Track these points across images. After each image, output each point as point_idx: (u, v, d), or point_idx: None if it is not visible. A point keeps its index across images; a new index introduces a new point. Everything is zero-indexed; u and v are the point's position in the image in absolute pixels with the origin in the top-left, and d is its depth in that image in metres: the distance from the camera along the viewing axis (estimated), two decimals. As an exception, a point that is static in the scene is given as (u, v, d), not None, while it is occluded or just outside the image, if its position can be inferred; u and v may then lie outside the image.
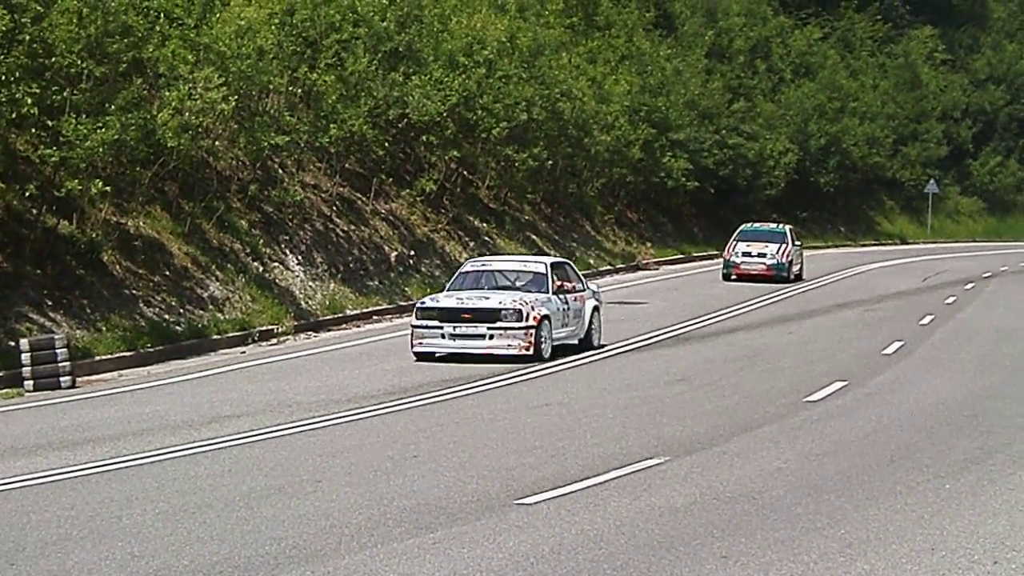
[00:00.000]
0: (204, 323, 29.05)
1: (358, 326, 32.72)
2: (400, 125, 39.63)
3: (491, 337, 25.02)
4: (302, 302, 32.76)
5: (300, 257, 34.44)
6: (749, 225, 49.24)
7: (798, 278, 46.19)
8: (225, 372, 25.29)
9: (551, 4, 53.34)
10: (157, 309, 28.45)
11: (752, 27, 71.19)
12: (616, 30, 57.76)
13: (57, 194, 26.45)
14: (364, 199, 39.11)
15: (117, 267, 28.51)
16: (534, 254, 45.16)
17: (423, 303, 26.11)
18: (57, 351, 23.47)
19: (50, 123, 25.85)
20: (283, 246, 34.23)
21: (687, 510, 13.35)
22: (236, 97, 30.06)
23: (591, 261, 49.24)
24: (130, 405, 21.34)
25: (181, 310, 28.95)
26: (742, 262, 45.40)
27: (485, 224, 44.71)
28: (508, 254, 41.16)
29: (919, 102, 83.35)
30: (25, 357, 23.36)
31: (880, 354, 26.56)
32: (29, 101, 24.74)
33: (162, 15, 29.70)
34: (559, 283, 26.60)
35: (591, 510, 13.29)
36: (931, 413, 19.68)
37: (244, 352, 28.36)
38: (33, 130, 26.27)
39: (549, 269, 26.82)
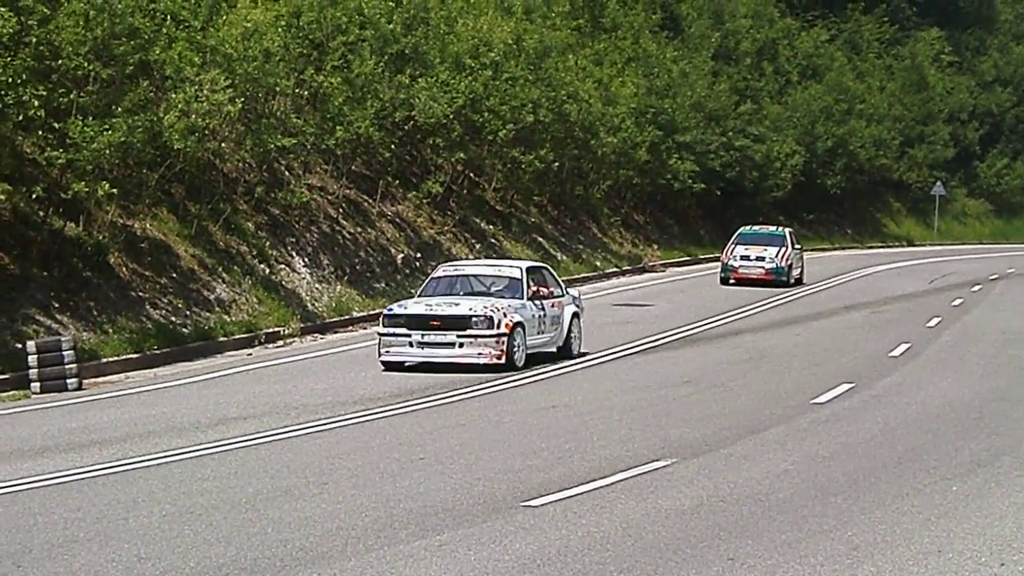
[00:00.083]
0: (211, 325, 29.06)
1: (364, 328, 32.68)
2: (406, 127, 39.63)
3: (461, 345, 23.97)
4: (308, 304, 32.77)
5: (306, 259, 34.45)
6: (748, 228, 47.91)
7: (798, 282, 45.21)
8: (232, 374, 25.30)
9: (557, 6, 53.32)
10: (164, 311, 28.46)
11: (759, 29, 71.15)
12: (623, 32, 57.75)
13: (64, 196, 26.48)
14: (370, 201, 39.11)
15: (124, 269, 28.53)
16: (540, 256, 45.18)
17: (390, 310, 25.08)
18: (64, 353, 23.50)
19: (57, 125, 25.87)
20: (289, 248, 34.24)
21: (693, 512, 13.34)
22: (242, 99, 30.09)
23: (597, 263, 49.24)
24: (136, 407, 21.35)
25: (188, 312, 28.97)
26: (740, 266, 44.35)
27: (491, 226, 44.71)
28: (512, 257, 41.15)
29: (926, 104, 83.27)
30: (32, 359, 23.39)
31: (887, 356, 26.53)
32: (36, 103, 24.76)
33: (168, 17, 29.71)
34: (535, 288, 25.59)
35: (598, 512, 13.28)
36: (938, 415, 19.66)
37: (251, 354, 28.36)
38: (40, 132, 26.29)
39: (524, 274, 25.78)
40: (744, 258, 44.46)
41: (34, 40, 25.20)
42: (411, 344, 24.17)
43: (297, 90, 34.72)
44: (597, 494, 14.10)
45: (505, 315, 24.19)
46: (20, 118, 25.12)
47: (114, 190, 26.72)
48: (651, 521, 12.94)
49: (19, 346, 24.17)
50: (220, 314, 29.72)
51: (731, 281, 44.26)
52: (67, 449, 17.47)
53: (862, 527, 12.70)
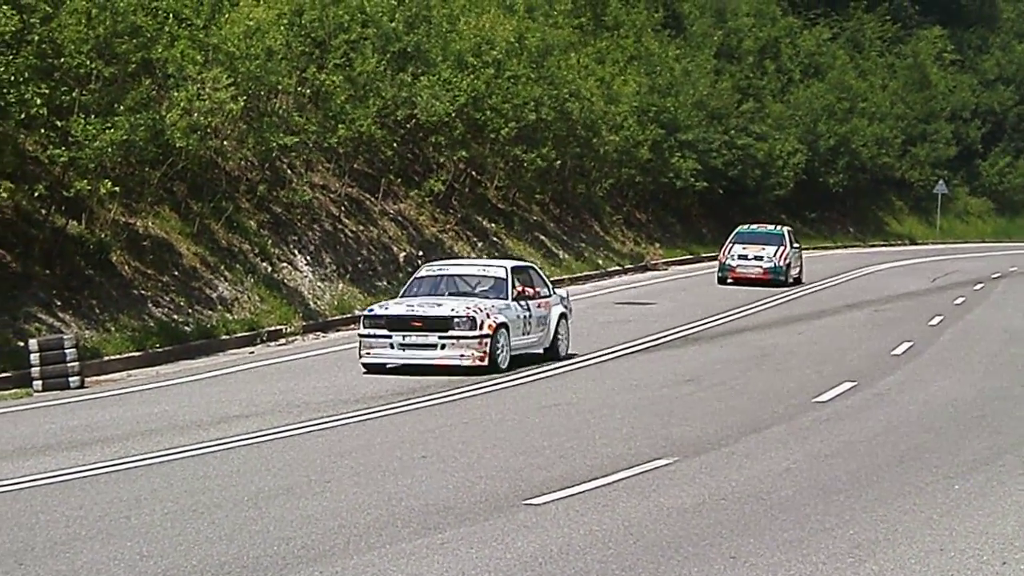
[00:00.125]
0: (213, 323, 29.07)
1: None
2: (409, 125, 39.64)
3: (443, 347, 23.37)
4: (311, 302, 32.78)
5: (309, 257, 34.46)
6: (746, 227, 46.99)
7: (797, 282, 44.54)
8: (234, 372, 25.30)
9: (559, 4, 53.32)
10: (166, 309, 28.48)
11: (761, 27, 71.14)
12: (625, 30, 57.75)
13: (66, 194, 26.48)
14: (373, 199, 39.12)
15: (126, 267, 28.54)
16: (542, 255, 45.25)
17: (371, 310, 24.53)
18: (66, 351, 23.50)
19: (59, 123, 25.89)
20: (292, 246, 34.25)
21: (696, 510, 13.34)
22: (245, 97, 30.09)
23: (600, 261, 49.24)
24: (139, 405, 21.36)
25: (190, 310, 28.98)
26: (738, 265, 43.60)
27: (493, 224, 44.72)
28: (514, 255, 41.16)
29: (928, 102, 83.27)
30: (34, 357, 23.39)
31: (889, 355, 26.53)
32: (38, 101, 24.76)
33: (171, 15, 29.72)
34: (520, 288, 25.02)
35: (600, 510, 13.28)
36: (940, 414, 19.66)
37: (253, 352, 28.38)
38: (42, 130, 26.31)
39: (510, 274, 25.18)
40: (742, 257, 43.77)
41: (36, 38, 25.22)
42: (392, 346, 23.61)
43: (299, 88, 34.73)
44: (599, 492, 14.10)
45: (488, 316, 23.66)
46: (22, 116, 25.13)
47: (116, 188, 26.74)
48: (653, 519, 12.94)
49: (21, 344, 24.18)
50: (222, 312, 29.73)
51: (729, 281, 43.64)
52: (69, 447, 17.48)
53: (864, 525, 12.70)
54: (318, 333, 31.41)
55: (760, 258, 43.57)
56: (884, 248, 73.04)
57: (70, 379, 23.46)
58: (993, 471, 15.46)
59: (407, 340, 23.54)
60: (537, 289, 25.70)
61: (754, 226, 47.57)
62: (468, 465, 15.64)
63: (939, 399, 21.03)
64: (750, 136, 62.80)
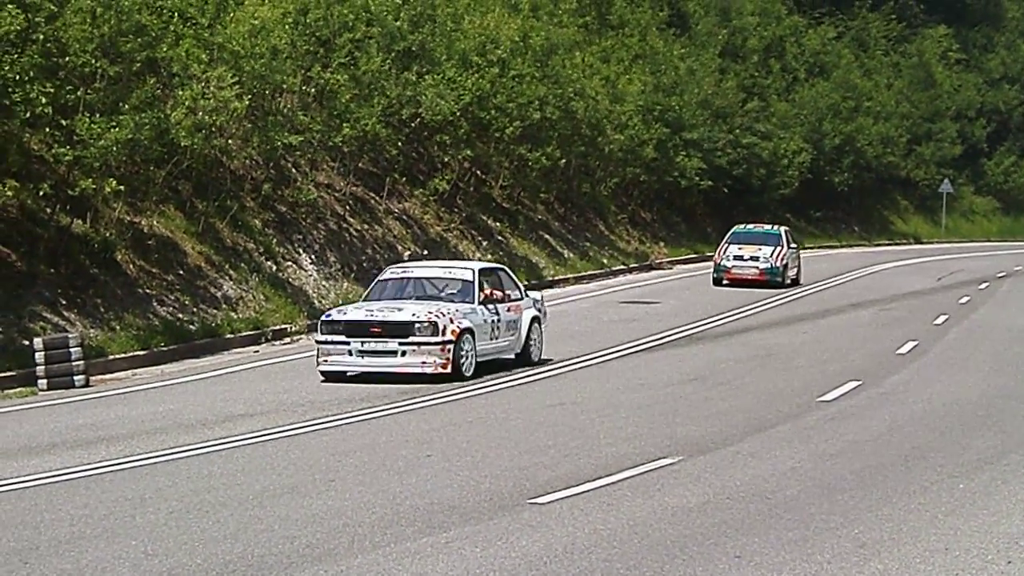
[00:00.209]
0: (217, 322, 29.09)
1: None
2: (413, 124, 39.65)
3: (403, 354, 22.35)
4: (315, 301, 32.78)
5: (313, 256, 34.48)
6: (742, 226, 46.00)
7: (794, 283, 43.56)
8: (238, 371, 25.31)
9: (564, 3, 53.27)
10: (171, 308, 28.49)
11: (766, 26, 71.14)
12: (629, 29, 57.74)
13: (71, 193, 26.50)
14: (377, 198, 39.13)
15: (131, 266, 28.56)
16: (547, 254, 45.23)
17: (328, 316, 23.40)
18: (71, 350, 23.51)
19: (64, 122, 25.90)
20: (296, 245, 34.26)
21: (700, 510, 13.34)
22: (250, 96, 30.10)
23: (604, 260, 49.23)
24: (143, 404, 21.38)
25: (194, 309, 28.99)
26: (733, 266, 42.64)
27: (498, 223, 44.72)
28: (518, 254, 41.15)
29: (933, 101, 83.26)
30: (39, 356, 23.41)
31: (894, 354, 26.52)
32: (43, 100, 24.79)
33: (176, 14, 29.71)
34: (488, 291, 24.01)
35: (604, 510, 13.28)
36: (945, 413, 19.65)
37: (257, 351, 28.39)
38: (47, 129, 26.34)
39: (477, 276, 24.07)
40: (737, 258, 42.82)
41: (41, 37, 25.23)
42: (350, 352, 22.58)
43: (304, 87, 34.75)
44: (604, 492, 14.09)
45: (452, 320, 22.63)
46: (27, 115, 25.15)
47: (121, 187, 26.75)
48: (658, 519, 12.94)
49: (26, 343, 24.20)
50: (227, 311, 29.75)
51: (724, 282, 42.75)
52: (74, 446, 17.49)
53: (869, 525, 12.69)
54: (323, 332, 31.39)
55: (756, 259, 42.65)
56: (889, 247, 73.03)
57: (75, 378, 23.48)
58: (998, 470, 15.44)
59: (366, 347, 22.56)
60: (507, 292, 24.70)
61: (751, 226, 46.62)
62: (473, 464, 15.64)
63: (944, 398, 21.02)
64: (755, 135, 62.79)
